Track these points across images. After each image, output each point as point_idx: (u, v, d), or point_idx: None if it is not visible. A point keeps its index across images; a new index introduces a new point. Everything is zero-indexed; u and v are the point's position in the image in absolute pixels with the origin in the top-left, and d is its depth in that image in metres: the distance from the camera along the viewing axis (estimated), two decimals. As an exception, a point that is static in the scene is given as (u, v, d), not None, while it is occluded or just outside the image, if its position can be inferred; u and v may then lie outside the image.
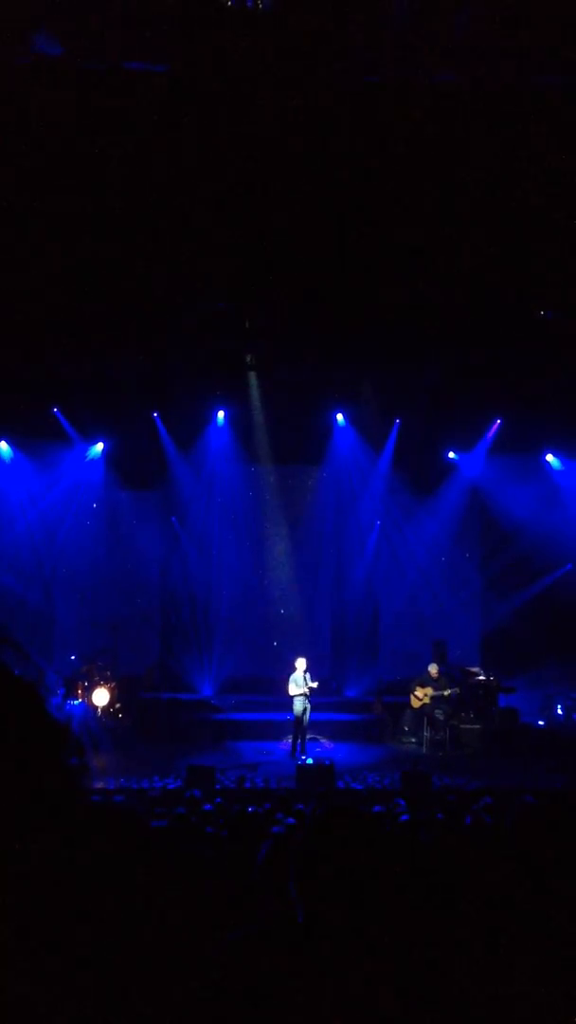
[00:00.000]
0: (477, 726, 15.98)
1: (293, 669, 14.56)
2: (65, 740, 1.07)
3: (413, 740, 16.00)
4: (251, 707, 16.99)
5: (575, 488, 18.32)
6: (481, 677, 16.80)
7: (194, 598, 18.72)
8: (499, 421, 18.22)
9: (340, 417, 18.75)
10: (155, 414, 18.30)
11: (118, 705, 16.08)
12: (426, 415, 17.47)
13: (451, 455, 18.95)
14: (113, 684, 16.13)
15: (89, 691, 15.68)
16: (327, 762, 12.86)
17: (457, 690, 15.85)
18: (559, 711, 16.90)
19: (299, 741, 14.44)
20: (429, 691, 15.65)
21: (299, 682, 14.36)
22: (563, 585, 17.99)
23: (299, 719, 14.39)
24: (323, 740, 15.55)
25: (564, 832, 1.70)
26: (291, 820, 6.99)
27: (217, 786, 11.49)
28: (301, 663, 14.52)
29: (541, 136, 10.42)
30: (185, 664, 18.38)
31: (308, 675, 14.44)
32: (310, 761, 13.52)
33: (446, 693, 15.60)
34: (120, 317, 14.27)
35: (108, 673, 16.27)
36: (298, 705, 14.34)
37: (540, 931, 1.57)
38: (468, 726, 15.96)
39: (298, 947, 1.60)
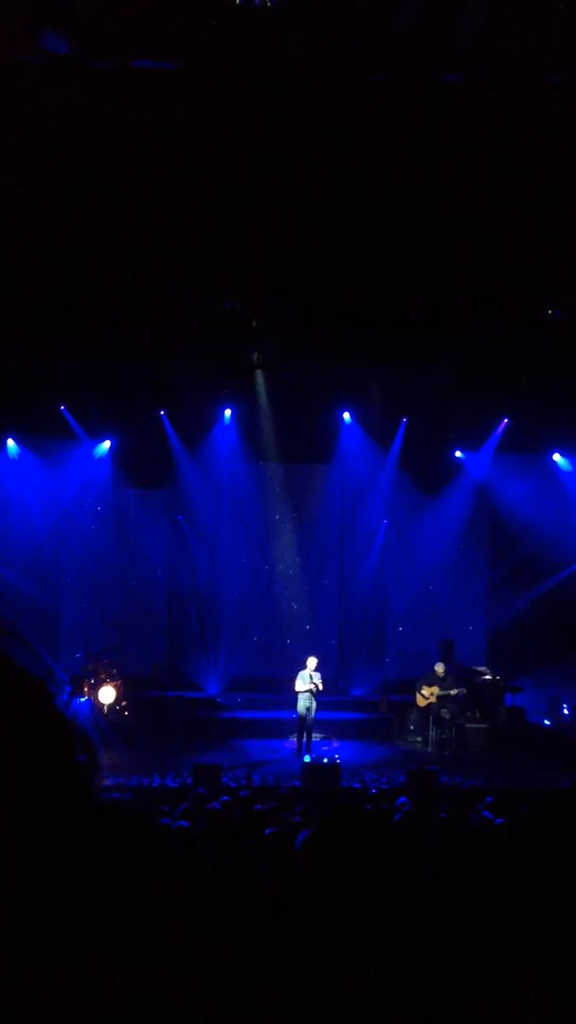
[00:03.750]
0: (483, 725, 15.96)
1: (301, 667, 14.59)
2: (74, 737, 1.07)
3: (419, 739, 15.98)
4: (257, 705, 17.01)
5: (582, 487, 18.33)
6: (488, 676, 16.78)
7: (200, 596, 18.74)
8: (506, 420, 18.19)
9: (347, 416, 18.75)
10: (162, 412, 18.31)
11: (124, 703, 16.09)
12: (433, 414, 17.45)
13: (458, 454, 18.91)
14: (119, 682, 16.14)
15: (95, 689, 15.69)
16: (332, 761, 12.86)
17: (463, 689, 15.83)
18: (565, 711, 16.88)
19: (304, 739, 14.45)
20: (435, 690, 15.64)
21: (305, 679, 14.39)
22: (570, 585, 17.96)
23: (303, 717, 14.41)
24: (333, 741, 15.53)
25: (570, 832, 1.70)
26: (297, 819, 6.99)
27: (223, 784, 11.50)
28: (312, 661, 14.56)
29: (549, 135, 10.40)
30: (191, 662, 18.40)
31: (318, 674, 14.46)
32: (307, 759, 13.53)
33: (453, 692, 15.59)
34: (127, 315, 14.28)
35: (114, 671, 16.28)
36: (301, 703, 14.36)
37: (546, 932, 1.57)
38: (474, 725, 15.94)
39: (303, 947, 1.60)
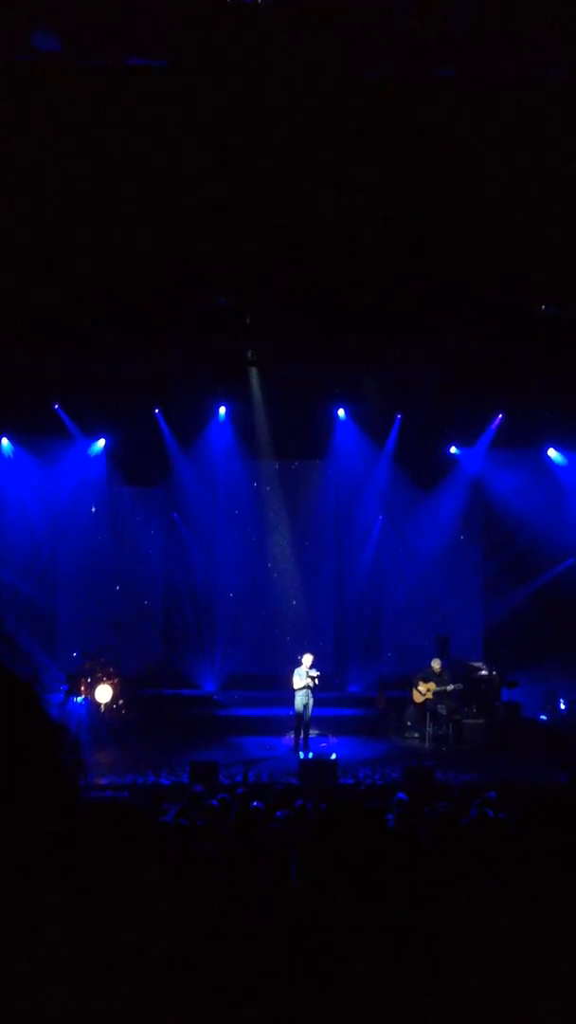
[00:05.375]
0: (480, 721, 15.98)
1: (297, 664, 14.65)
2: (61, 738, 1.07)
3: (416, 735, 15.99)
4: (254, 703, 17.02)
5: (577, 482, 18.37)
6: (484, 672, 16.80)
7: (196, 594, 18.75)
8: (501, 416, 18.21)
9: (341, 412, 18.76)
10: (156, 410, 18.30)
11: (121, 701, 16.10)
12: (428, 410, 17.45)
13: (453, 450, 18.94)
14: (116, 680, 16.15)
15: (92, 688, 15.69)
16: (329, 757, 12.87)
17: (460, 685, 15.85)
18: (562, 705, 16.90)
19: (302, 736, 14.48)
20: (432, 686, 15.65)
21: (302, 675, 14.46)
22: (565, 579, 18.01)
23: (300, 714, 14.47)
24: (330, 737, 15.54)
25: (568, 827, 1.70)
26: (294, 816, 7.00)
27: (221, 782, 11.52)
28: (308, 658, 14.63)
29: (542, 130, 10.39)
30: (188, 660, 18.40)
31: (315, 670, 14.53)
32: (301, 756, 13.57)
33: (449, 688, 15.60)
34: (121, 312, 14.26)
35: (111, 669, 16.29)
36: (299, 700, 14.42)
37: (544, 928, 1.57)
38: (471, 721, 15.96)
39: (300, 944, 1.60)
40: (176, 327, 14.91)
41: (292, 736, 14.75)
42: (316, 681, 14.49)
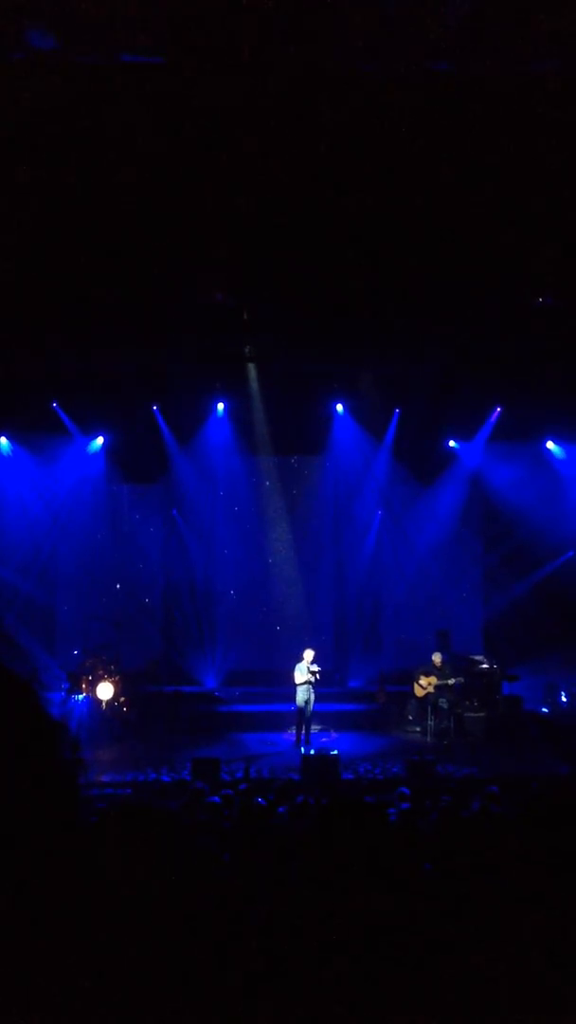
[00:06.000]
0: (481, 714, 15.99)
1: (298, 659, 14.68)
2: (61, 736, 1.07)
3: (417, 729, 16.02)
4: (255, 699, 17.04)
5: (576, 475, 18.37)
6: (484, 665, 16.81)
7: (196, 590, 18.76)
8: (499, 409, 18.19)
9: (340, 407, 18.74)
10: (155, 407, 18.29)
11: (122, 699, 16.10)
12: (426, 404, 17.44)
13: (452, 444, 18.93)
14: (117, 678, 16.15)
15: (93, 685, 15.70)
16: (332, 753, 12.89)
17: (461, 679, 15.85)
18: (563, 698, 16.92)
19: (303, 731, 14.51)
20: (433, 680, 15.66)
21: (303, 670, 14.50)
22: (565, 572, 18.01)
23: (301, 709, 14.50)
24: (332, 732, 15.57)
25: (569, 820, 1.70)
26: (296, 811, 7.00)
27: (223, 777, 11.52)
28: (309, 654, 14.68)
29: (539, 123, 10.38)
30: (188, 657, 18.41)
31: (316, 666, 14.58)
32: (303, 751, 13.58)
33: (450, 682, 15.60)
34: (119, 310, 14.24)
35: (112, 667, 16.29)
36: (300, 695, 14.47)
37: (545, 921, 1.57)
38: (472, 714, 15.97)
39: (302, 940, 1.61)
40: (174, 324, 14.89)
41: (293, 732, 14.78)
42: (317, 676, 14.55)
